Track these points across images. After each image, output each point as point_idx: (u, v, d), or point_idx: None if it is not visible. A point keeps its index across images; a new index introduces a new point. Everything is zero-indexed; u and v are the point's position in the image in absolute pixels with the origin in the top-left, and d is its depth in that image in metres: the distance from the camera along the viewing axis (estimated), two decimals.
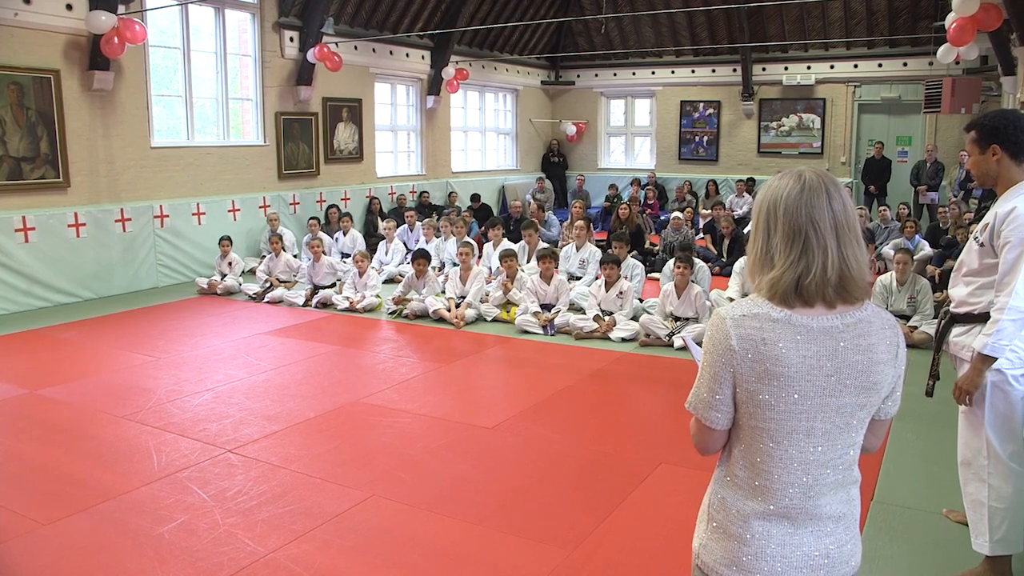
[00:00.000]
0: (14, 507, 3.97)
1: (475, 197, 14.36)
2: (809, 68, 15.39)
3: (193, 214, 10.31)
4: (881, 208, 12.11)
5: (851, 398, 1.64)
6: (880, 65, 14.85)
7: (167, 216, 9.96)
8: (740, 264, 8.05)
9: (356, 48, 12.68)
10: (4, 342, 7.28)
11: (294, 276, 9.61)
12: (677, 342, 7.02)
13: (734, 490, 1.73)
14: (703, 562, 1.77)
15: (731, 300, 6.31)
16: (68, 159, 8.93)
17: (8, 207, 8.40)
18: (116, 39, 8.69)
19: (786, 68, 15.58)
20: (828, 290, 1.61)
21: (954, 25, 8.85)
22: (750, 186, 14.90)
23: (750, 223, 1.73)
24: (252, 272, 10.23)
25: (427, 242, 10.77)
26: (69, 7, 8.70)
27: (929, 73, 13.64)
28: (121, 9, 8.87)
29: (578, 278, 9.10)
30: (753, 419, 1.66)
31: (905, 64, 14.56)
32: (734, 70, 15.95)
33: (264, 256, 10.11)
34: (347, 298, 8.74)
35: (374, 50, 13.18)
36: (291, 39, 11.58)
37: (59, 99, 8.76)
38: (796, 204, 1.62)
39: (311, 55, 11.37)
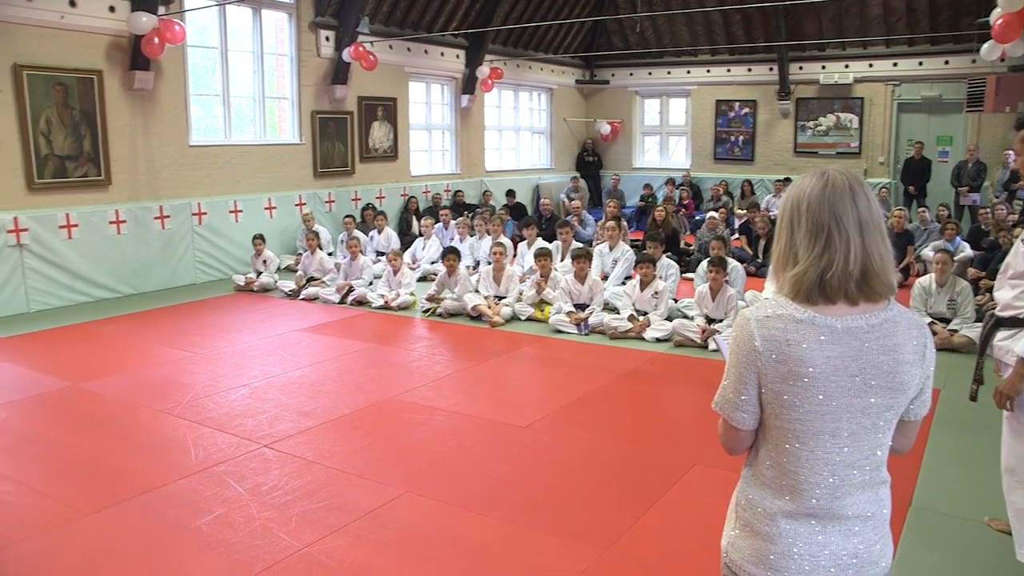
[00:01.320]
0: (57, 496, 4.07)
1: (510, 192, 14.34)
2: (847, 67, 15.14)
3: (230, 212, 10.46)
4: (920, 209, 11.88)
5: (877, 399, 1.63)
6: (920, 63, 14.55)
7: (205, 213, 10.11)
8: None
9: (391, 47, 12.77)
10: (49, 336, 7.45)
11: (326, 275, 9.66)
12: (712, 344, 6.97)
13: (761, 489, 1.73)
14: (731, 560, 1.78)
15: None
16: (109, 157, 9.11)
17: (53, 204, 8.60)
18: (156, 39, 8.85)
19: (823, 67, 15.34)
20: (850, 285, 1.60)
21: (1000, 21, 8.64)
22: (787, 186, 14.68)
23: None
24: (288, 269, 10.33)
25: (461, 241, 10.80)
26: (111, 9, 8.88)
27: (972, 71, 13.37)
28: (161, 10, 9.02)
29: (606, 277, 9.04)
30: (779, 419, 1.66)
31: (947, 62, 14.24)
32: (770, 69, 15.76)
33: (300, 253, 10.21)
34: (381, 296, 8.79)
35: (409, 49, 13.25)
36: (327, 38, 11.69)
37: (101, 99, 8.94)
38: (819, 201, 1.64)
39: (346, 54, 11.46)
